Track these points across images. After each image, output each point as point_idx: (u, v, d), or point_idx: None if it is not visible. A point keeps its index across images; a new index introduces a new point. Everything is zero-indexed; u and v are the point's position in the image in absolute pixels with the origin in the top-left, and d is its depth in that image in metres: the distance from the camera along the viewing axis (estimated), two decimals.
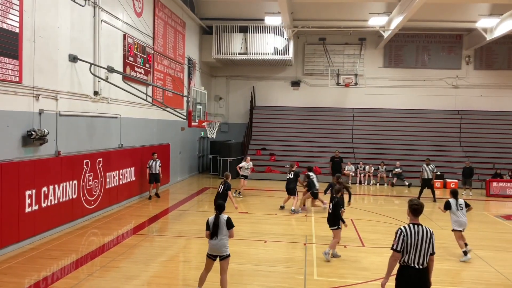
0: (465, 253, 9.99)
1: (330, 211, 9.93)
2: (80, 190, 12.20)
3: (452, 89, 27.40)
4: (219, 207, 7.42)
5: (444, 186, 22.17)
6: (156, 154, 16.41)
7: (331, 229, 9.98)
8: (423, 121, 26.66)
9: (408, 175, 22.60)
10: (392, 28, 22.34)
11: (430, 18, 23.23)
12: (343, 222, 9.85)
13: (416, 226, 5.72)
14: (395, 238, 5.76)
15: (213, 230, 7.21)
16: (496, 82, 27.04)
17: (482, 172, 22.51)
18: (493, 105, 26.92)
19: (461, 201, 10.43)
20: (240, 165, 17.77)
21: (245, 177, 17.71)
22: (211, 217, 7.35)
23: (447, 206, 10.44)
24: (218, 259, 7.30)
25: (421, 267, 5.62)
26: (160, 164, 16.46)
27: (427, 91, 27.40)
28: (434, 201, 17.78)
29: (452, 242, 11.51)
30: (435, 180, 19.46)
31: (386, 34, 23.94)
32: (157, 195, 16.71)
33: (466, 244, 10.14)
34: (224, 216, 7.30)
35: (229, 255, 7.31)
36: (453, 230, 10.37)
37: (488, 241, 11.89)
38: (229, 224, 7.26)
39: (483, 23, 22.22)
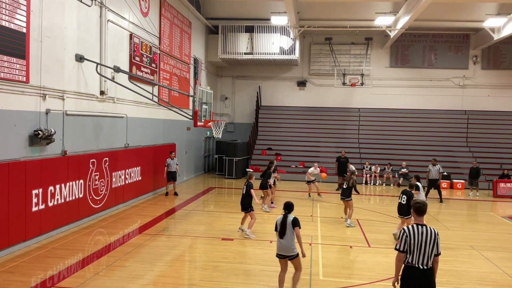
0: None
1: (404, 202, 11.24)
2: (86, 190, 12.25)
3: (459, 89, 27.25)
4: (288, 207, 7.46)
5: (451, 186, 22.07)
6: (174, 153, 17.32)
7: (405, 218, 11.27)
8: (429, 121, 26.54)
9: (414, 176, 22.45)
10: (399, 28, 22.25)
11: (437, 17, 23.12)
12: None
13: (420, 227, 5.70)
14: (399, 238, 5.79)
15: (281, 230, 7.25)
16: (503, 82, 26.85)
17: (489, 173, 22.39)
18: (500, 105, 26.74)
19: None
20: (309, 170, 17.84)
21: (312, 181, 17.77)
22: (280, 217, 7.41)
23: (418, 188, 12.56)
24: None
25: (425, 267, 5.60)
26: (178, 163, 17.16)
27: (434, 91, 27.26)
28: (441, 201, 17.71)
29: (458, 242, 11.50)
30: (441, 180, 19.39)
31: (392, 34, 23.85)
32: (175, 194, 17.29)
33: None
34: (291, 216, 7.33)
35: (297, 255, 7.30)
36: None
37: (495, 242, 11.81)
38: (295, 224, 7.26)
39: (490, 22, 22.07)
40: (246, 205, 11.53)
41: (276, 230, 7.42)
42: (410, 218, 11.07)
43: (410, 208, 10.87)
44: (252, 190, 11.49)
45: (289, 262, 7.38)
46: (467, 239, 12.02)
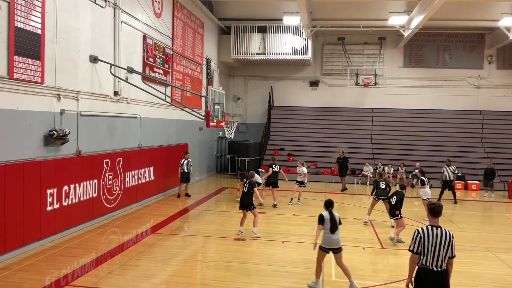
0: None
1: (393, 203, 11.27)
2: (100, 189, 12.36)
3: (474, 89, 26.94)
4: (330, 204, 8.00)
5: (465, 187, 21.83)
6: (188, 154, 17.24)
7: (394, 219, 11.59)
8: (444, 121, 26.27)
9: (428, 176, 21.95)
10: (413, 27, 22.06)
11: (451, 17, 22.88)
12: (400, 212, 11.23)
13: (434, 229, 5.62)
14: (412, 239, 5.72)
15: (333, 226, 7.76)
16: None
17: (505, 174, 22.10)
18: None
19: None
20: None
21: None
22: (325, 213, 7.91)
23: (423, 183, 13.87)
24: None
25: (439, 269, 5.53)
26: (191, 164, 17.07)
27: (448, 91, 26.98)
28: (455, 202, 17.50)
29: (472, 244, 11.35)
30: (456, 181, 19.18)
31: (406, 34, 23.66)
32: (187, 195, 17.15)
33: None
34: (336, 214, 7.93)
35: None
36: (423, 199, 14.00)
37: (510, 244, 11.64)
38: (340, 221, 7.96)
39: (506, 21, 21.76)
40: (248, 203, 11.46)
41: (321, 224, 7.83)
42: (401, 219, 11.18)
43: (399, 209, 11.08)
44: (255, 188, 11.55)
45: (333, 255, 7.94)
46: (481, 240, 11.87)
